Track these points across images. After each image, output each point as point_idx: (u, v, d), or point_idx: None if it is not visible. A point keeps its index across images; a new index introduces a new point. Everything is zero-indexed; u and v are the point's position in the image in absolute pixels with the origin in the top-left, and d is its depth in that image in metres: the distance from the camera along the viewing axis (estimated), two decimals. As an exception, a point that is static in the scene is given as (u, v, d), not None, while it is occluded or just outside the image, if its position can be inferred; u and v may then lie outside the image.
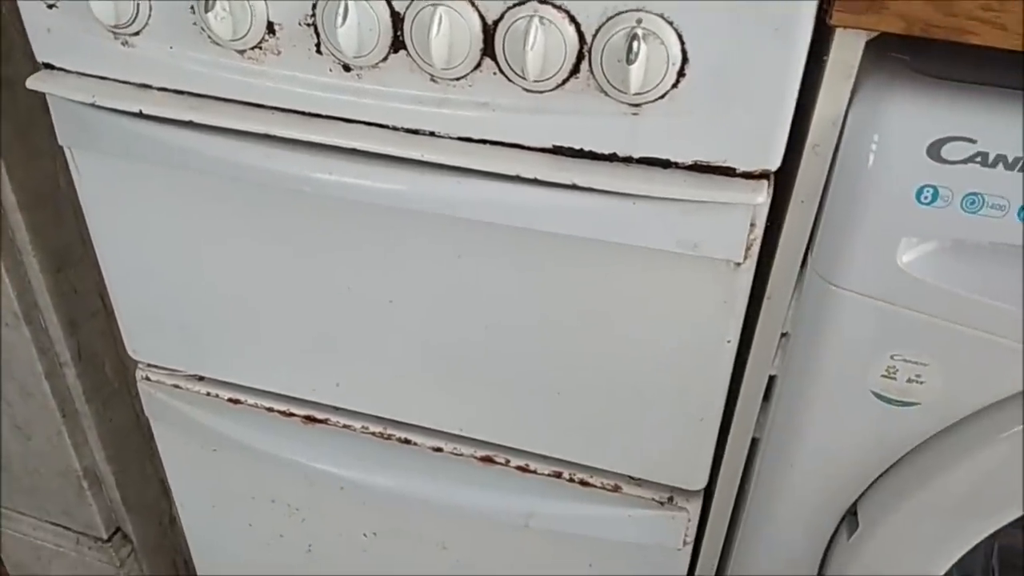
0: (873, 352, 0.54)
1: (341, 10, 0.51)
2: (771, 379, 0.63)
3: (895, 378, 0.54)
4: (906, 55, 0.51)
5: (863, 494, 0.60)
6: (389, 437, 0.75)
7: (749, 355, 0.62)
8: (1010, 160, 0.47)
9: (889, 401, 0.55)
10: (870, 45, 0.49)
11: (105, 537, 1.04)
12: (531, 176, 0.54)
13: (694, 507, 0.70)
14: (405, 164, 0.56)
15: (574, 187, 0.53)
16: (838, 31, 0.48)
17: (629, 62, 0.47)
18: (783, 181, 0.55)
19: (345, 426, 0.76)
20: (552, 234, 0.56)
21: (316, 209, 0.61)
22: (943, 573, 0.59)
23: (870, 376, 0.55)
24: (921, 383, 0.54)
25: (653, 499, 0.70)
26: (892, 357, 0.54)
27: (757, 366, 0.62)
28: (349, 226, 0.62)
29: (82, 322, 0.90)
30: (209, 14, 0.53)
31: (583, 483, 0.71)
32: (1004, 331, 0.51)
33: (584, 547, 0.75)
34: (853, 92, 0.50)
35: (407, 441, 0.74)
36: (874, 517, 0.59)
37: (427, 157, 0.55)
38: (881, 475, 0.59)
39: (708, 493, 0.72)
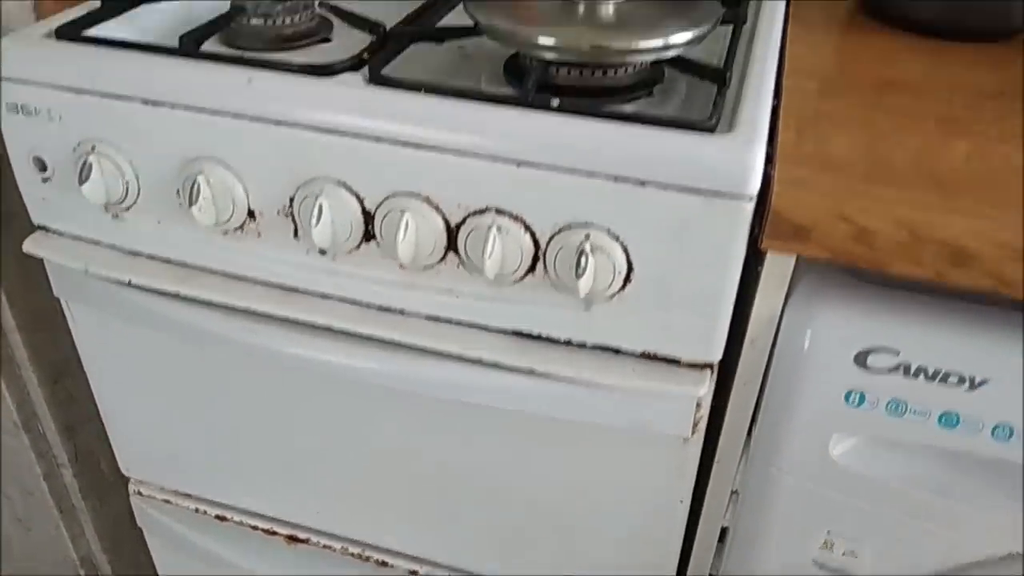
0: (810, 527, 0.57)
1: (316, 210, 0.55)
2: (723, 530, 0.66)
3: (832, 551, 0.58)
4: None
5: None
6: (367, 559, 0.78)
7: (703, 509, 0.65)
8: (930, 372, 0.50)
9: (827, 569, 0.59)
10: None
11: (100, 624, 1.08)
12: (492, 360, 0.57)
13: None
14: (377, 341, 0.60)
15: (532, 372, 0.57)
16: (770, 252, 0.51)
17: (578, 276, 0.51)
18: (729, 360, 0.59)
19: (325, 546, 0.79)
20: (510, 411, 0.60)
21: (296, 375, 0.65)
22: None
23: (809, 547, 0.58)
24: (856, 558, 0.57)
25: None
26: (828, 532, 0.57)
27: (709, 519, 0.66)
28: (324, 391, 0.66)
29: (79, 426, 0.94)
30: (193, 207, 0.57)
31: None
32: (932, 519, 0.54)
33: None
34: (789, 292, 0.54)
35: (383, 563, 0.78)
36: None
37: (397, 338, 0.59)
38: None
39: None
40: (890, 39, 0.71)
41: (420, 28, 0.63)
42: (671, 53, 0.57)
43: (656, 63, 0.61)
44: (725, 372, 0.59)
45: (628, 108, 0.58)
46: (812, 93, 0.60)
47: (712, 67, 0.57)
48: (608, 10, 0.58)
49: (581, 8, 0.59)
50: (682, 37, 0.56)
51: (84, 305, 0.70)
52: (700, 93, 0.59)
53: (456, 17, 0.65)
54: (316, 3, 0.68)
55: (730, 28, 0.64)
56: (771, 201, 0.48)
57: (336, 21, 0.68)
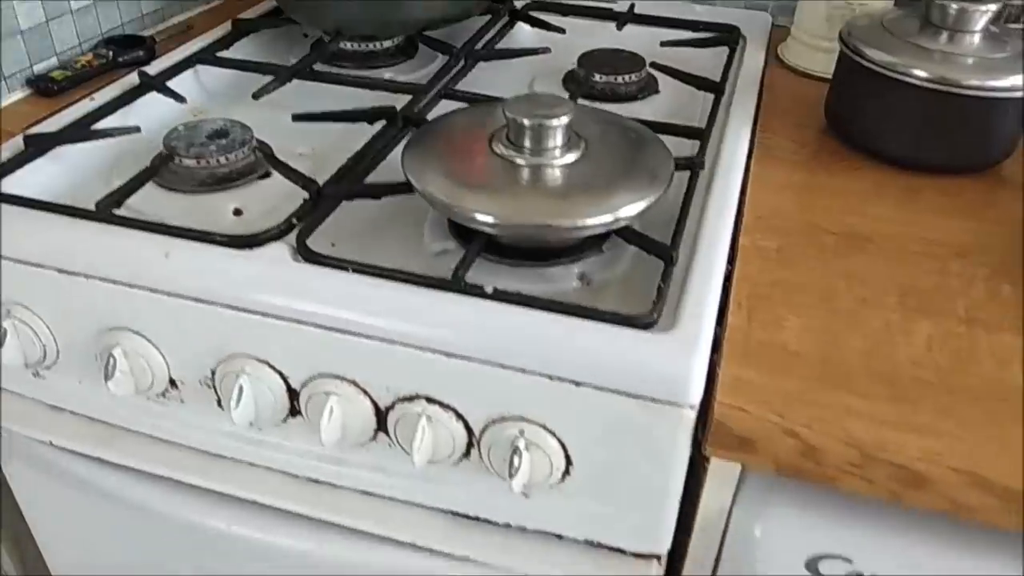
0: None
1: (236, 391, 0.51)
2: None
3: None
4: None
5: None
6: None
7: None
8: (885, 583, 0.47)
9: None
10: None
11: None
12: (426, 545, 0.54)
13: None
14: (305, 518, 0.57)
15: (468, 559, 0.54)
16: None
17: (511, 474, 0.48)
18: (681, 542, 0.55)
19: None
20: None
21: (224, 547, 0.62)
22: None
23: None
24: None
25: None
26: None
27: None
28: (250, 565, 0.63)
29: (26, 540, 0.91)
30: (109, 382, 0.54)
31: None
32: None
33: None
34: (739, 484, 0.50)
35: None
36: None
37: (325, 516, 0.56)
38: None
39: None
40: (858, 172, 0.67)
41: (354, 187, 0.59)
42: (621, 225, 0.53)
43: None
44: (678, 553, 0.56)
45: (576, 269, 0.55)
46: (771, 256, 0.57)
47: (658, 243, 0.53)
48: (555, 174, 0.55)
49: (525, 172, 0.55)
50: (632, 209, 0.52)
51: (14, 460, 0.67)
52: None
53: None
54: (253, 139, 0.64)
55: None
56: (713, 410, 0.45)
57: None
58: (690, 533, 0.53)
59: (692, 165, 0.61)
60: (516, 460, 0.48)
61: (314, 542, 0.56)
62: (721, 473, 0.49)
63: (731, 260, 0.56)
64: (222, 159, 0.63)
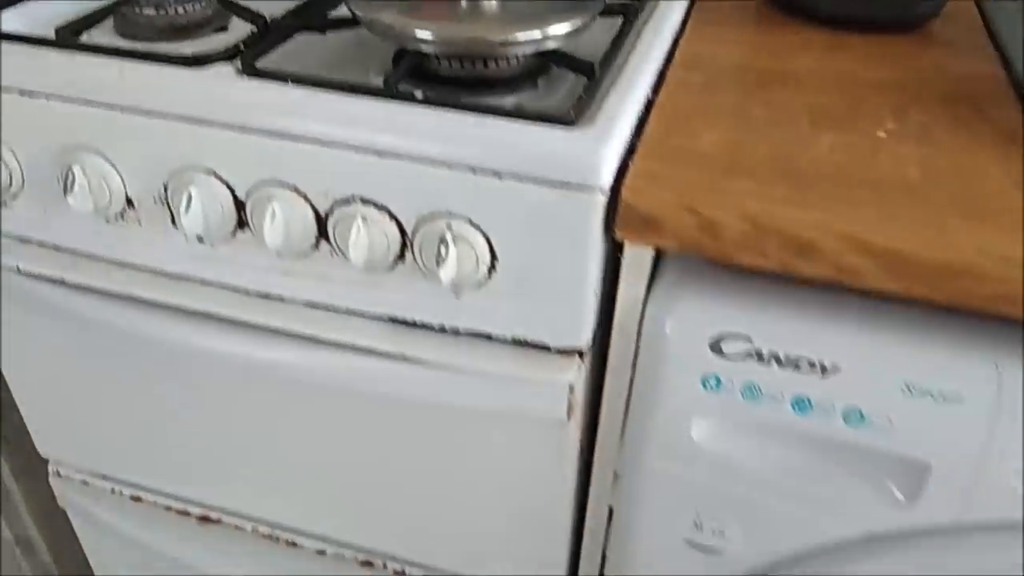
0: (681, 508, 0.59)
1: (184, 199, 0.55)
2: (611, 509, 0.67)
3: (702, 530, 0.59)
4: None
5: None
6: (277, 539, 0.80)
7: (590, 491, 0.67)
8: (782, 358, 0.51)
9: (699, 548, 0.60)
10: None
11: (40, 599, 1.10)
12: (366, 346, 0.58)
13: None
14: (258, 328, 0.61)
15: (405, 358, 0.58)
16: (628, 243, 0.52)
17: (439, 264, 0.52)
18: (607, 346, 0.59)
19: (237, 527, 0.81)
20: (392, 397, 0.61)
21: (183, 360, 0.66)
22: None
23: (680, 526, 0.60)
24: (724, 537, 0.59)
25: (518, 602, 0.75)
26: (697, 514, 0.58)
27: (597, 502, 0.67)
28: (211, 376, 0.67)
29: (7, 412, 0.95)
30: (68, 196, 0.57)
31: (455, 587, 0.77)
32: (791, 501, 0.55)
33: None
34: (652, 281, 0.54)
35: (293, 543, 0.79)
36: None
37: (276, 324, 0.60)
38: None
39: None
40: (792, 32, 0.71)
41: (301, 19, 0.63)
42: (550, 45, 0.57)
43: (541, 54, 0.61)
44: (605, 357, 0.60)
45: (509, 100, 0.59)
46: (695, 87, 0.61)
47: (582, 60, 0.57)
48: (491, 5, 0.58)
49: (464, 3, 0.59)
50: (560, 28, 0.56)
51: (-17, 292, 0.71)
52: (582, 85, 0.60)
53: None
54: (208, -11, 0.68)
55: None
56: (621, 192, 0.49)
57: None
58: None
59: (626, 11, 0.65)
60: (443, 251, 0.52)
61: (265, 350, 0.60)
62: (634, 265, 0.53)
63: (657, 91, 0.60)
64: (180, 9, 0.66)
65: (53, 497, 1.04)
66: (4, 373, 0.78)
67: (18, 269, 0.64)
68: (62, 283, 0.63)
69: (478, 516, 0.70)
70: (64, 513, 1.06)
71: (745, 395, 0.53)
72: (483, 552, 0.73)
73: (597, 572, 0.72)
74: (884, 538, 0.55)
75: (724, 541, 0.59)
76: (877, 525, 0.54)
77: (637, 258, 0.53)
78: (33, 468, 1.01)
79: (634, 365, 0.57)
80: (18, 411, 0.96)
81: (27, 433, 0.98)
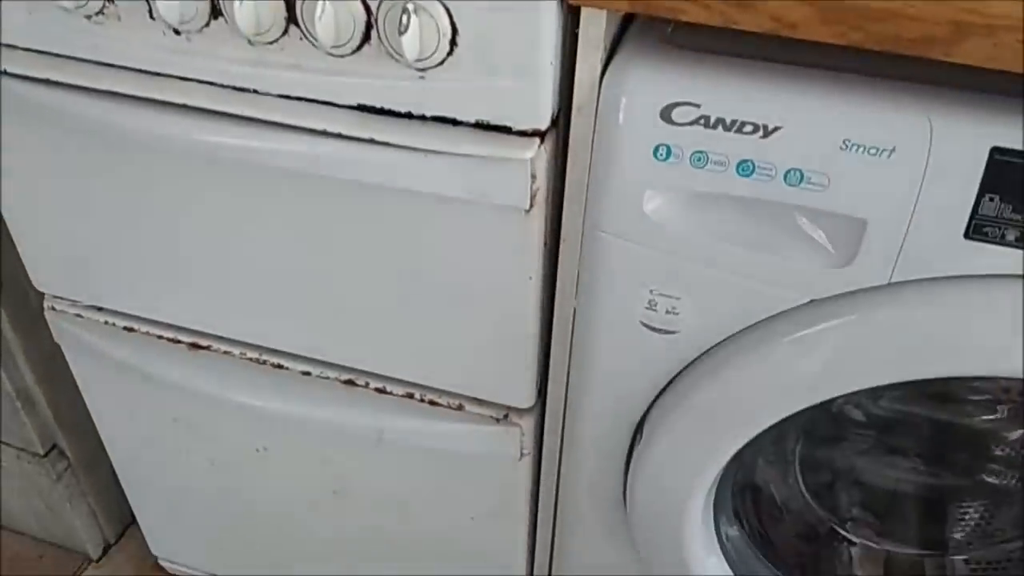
0: (635, 287, 0.62)
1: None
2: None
3: (656, 310, 0.62)
4: (670, 28, 0.58)
5: (647, 410, 0.69)
6: (264, 363, 0.84)
7: (556, 287, 0.70)
8: (728, 123, 0.54)
9: (654, 330, 0.63)
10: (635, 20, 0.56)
11: (42, 453, 1.15)
12: (336, 131, 0.61)
13: (527, 423, 0.79)
14: (234, 119, 0.63)
15: (373, 142, 0.61)
16: (583, 10, 0.54)
17: (401, 33, 0.54)
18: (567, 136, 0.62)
19: (226, 352, 0.84)
20: (363, 183, 0.64)
21: (169, 163, 0.69)
22: (714, 477, 0.68)
23: (636, 308, 0.63)
24: (677, 314, 0.62)
25: (491, 416, 0.79)
26: (651, 292, 0.62)
27: (563, 301, 0.70)
28: (197, 175, 0.70)
29: (3, 252, 0.98)
30: (51, -16, 0.60)
31: (432, 403, 0.80)
32: (736, 270, 0.59)
33: (435, 459, 0.84)
34: (608, 61, 0.57)
35: (280, 366, 0.83)
36: (653, 428, 0.68)
37: (252, 114, 0.62)
38: (659, 394, 0.67)
39: (544, 410, 0.81)
40: None
41: None
42: None
43: None
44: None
45: None
46: None
47: None
48: None
49: None
50: None
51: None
52: None
53: None
54: None
55: None
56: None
57: None
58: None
59: None
60: (405, 19, 0.54)
61: (241, 138, 0.63)
62: (590, 35, 0.55)
63: None
64: None
65: (51, 349, 1.08)
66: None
67: (5, 72, 0.66)
68: (47, 82, 0.66)
69: (451, 325, 0.73)
70: (62, 365, 1.10)
71: (693, 162, 0.55)
72: (459, 365, 0.76)
73: (564, 379, 0.76)
74: (825, 304, 0.58)
75: (677, 319, 0.62)
76: (818, 290, 0.57)
77: (592, 29, 0.55)
78: (30, 320, 1.05)
79: (592, 145, 0.60)
80: (14, 255, 0.99)
81: (24, 281, 1.01)
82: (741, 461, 0.71)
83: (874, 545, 0.84)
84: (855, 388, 0.59)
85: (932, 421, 0.80)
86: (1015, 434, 0.81)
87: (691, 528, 0.73)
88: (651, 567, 0.77)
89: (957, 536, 0.84)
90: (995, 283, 0.54)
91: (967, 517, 0.84)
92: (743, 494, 0.83)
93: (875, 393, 0.76)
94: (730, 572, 0.76)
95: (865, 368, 0.58)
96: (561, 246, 0.67)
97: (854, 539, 0.85)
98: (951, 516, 0.85)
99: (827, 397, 0.60)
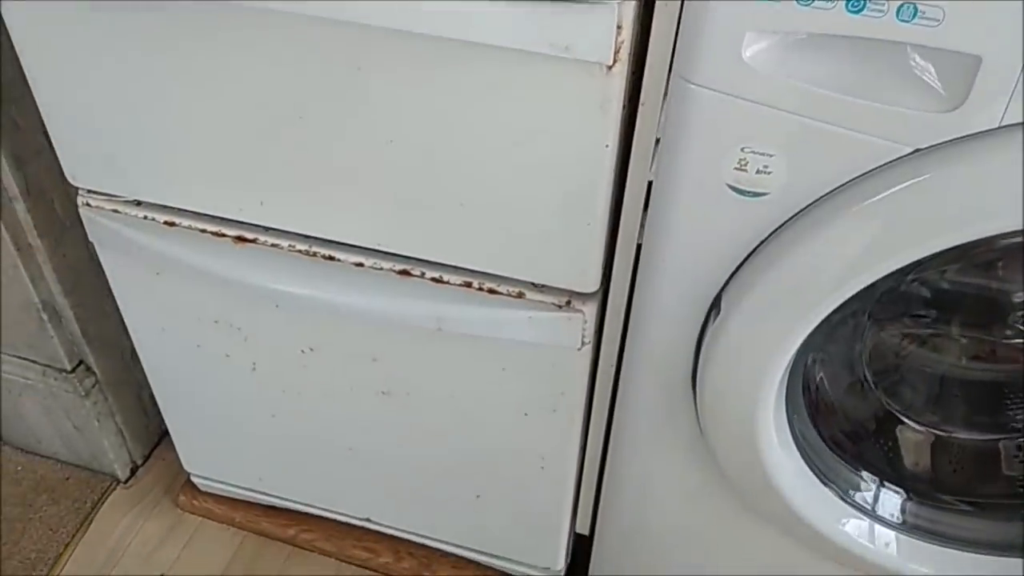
0: (726, 145, 0.59)
1: None
2: (650, 185, 0.68)
3: (746, 170, 0.60)
4: None
5: (726, 283, 0.67)
6: (315, 254, 0.81)
7: (630, 160, 0.67)
8: (839, -46, 0.51)
9: (742, 192, 0.61)
10: None
11: (69, 368, 1.12)
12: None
13: (589, 309, 0.77)
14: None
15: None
16: None
17: None
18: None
19: (273, 245, 0.82)
20: (439, 41, 0.61)
21: (218, 29, 0.65)
22: (791, 356, 0.67)
23: (724, 169, 0.61)
24: (769, 173, 0.60)
25: (553, 303, 0.77)
26: (742, 149, 0.59)
27: (636, 172, 0.68)
28: (240, 44, 0.66)
29: (28, 159, 0.94)
30: None
31: (491, 291, 0.78)
32: (838, 120, 0.56)
33: (493, 350, 0.82)
34: None
35: (331, 258, 0.81)
36: (732, 302, 0.66)
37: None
38: (740, 265, 0.66)
39: (605, 297, 0.79)
40: None
41: None
42: None
43: None
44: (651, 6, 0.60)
45: None
46: None
47: None
48: None
49: None
50: None
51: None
52: None
53: None
54: None
55: None
56: None
57: None
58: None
59: None
60: None
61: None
62: None
63: None
64: None
65: (78, 262, 1.05)
66: (33, 90, 0.77)
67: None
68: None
69: (517, 203, 0.71)
70: (91, 277, 1.07)
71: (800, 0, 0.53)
72: (522, 248, 0.74)
73: (632, 261, 0.74)
74: (930, 153, 0.56)
75: (768, 179, 0.60)
76: (923, 137, 0.55)
77: None
78: (57, 229, 1.01)
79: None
80: (39, 161, 0.95)
81: (50, 190, 0.98)
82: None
83: (938, 432, 0.84)
84: (958, 241, 0.57)
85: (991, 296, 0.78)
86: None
87: (764, 412, 0.71)
88: (717, 452, 0.76)
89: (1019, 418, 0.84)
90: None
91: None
92: (828, 414, 0.83)
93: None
94: (801, 461, 0.74)
95: (971, 217, 0.56)
96: (640, 110, 0.64)
97: (918, 427, 0.84)
98: (1010, 401, 0.84)
99: (924, 254, 0.59)
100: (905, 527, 0.74)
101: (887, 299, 0.77)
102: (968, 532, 0.74)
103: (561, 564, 1.06)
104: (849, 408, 0.84)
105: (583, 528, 1.03)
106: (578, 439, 0.90)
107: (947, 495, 0.77)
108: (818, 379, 0.83)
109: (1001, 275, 0.77)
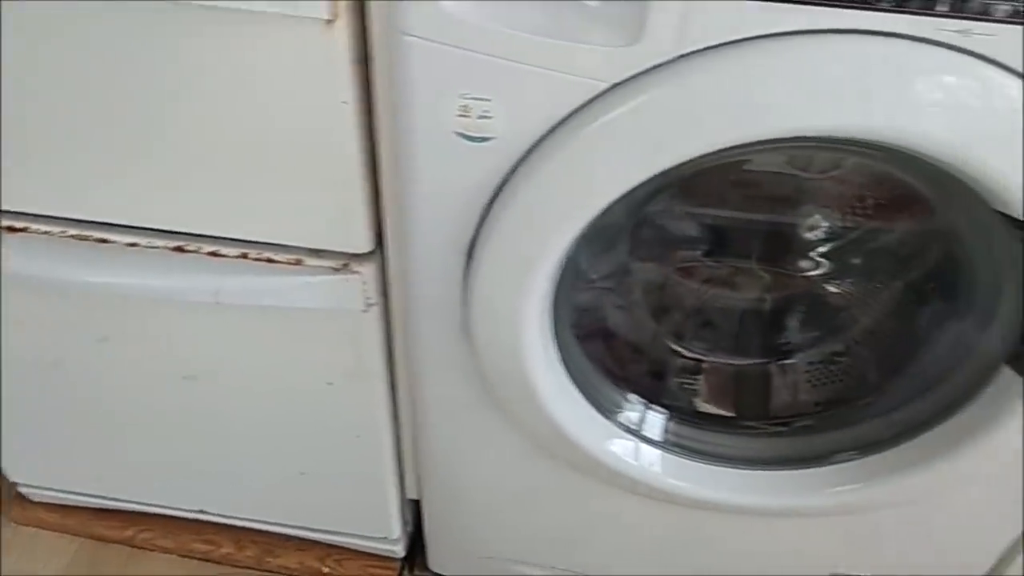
0: (446, 94, 0.62)
1: None
2: (401, 140, 0.70)
3: (469, 115, 0.62)
4: None
5: (476, 233, 0.70)
6: (86, 238, 0.80)
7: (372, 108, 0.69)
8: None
9: (470, 139, 0.64)
10: None
11: None
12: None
13: (368, 270, 0.78)
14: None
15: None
16: None
17: None
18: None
19: (45, 232, 0.80)
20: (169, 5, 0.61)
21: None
22: (544, 292, 0.70)
23: (449, 117, 0.63)
24: (491, 118, 0.62)
25: (330, 267, 0.78)
26: (462, 96, 0.62)
27: (383, 128, 0.69)
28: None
29: None
30: None
31: (269, 260, 0.79)
32: (539, 62, 0.59)
33: (281, 321, 0.83)
34: None
35: (104, 240, 0.80)
36: (481, 247, 0.68)
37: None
38: (485, 211, 0.68)
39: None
40: None
41: None
42: None
43: None
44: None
45: None
46: None
47: None
48: None
49: None
50: None
51: None
52: None
53: None
54: None
55: None
56: None
57: None
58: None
59: None
60: None
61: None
62: None
63: None
64: None
65: None
66: None
67: None
68: None
69: (275, 170, 0.72)
70: None
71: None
72: (291, 214, 0.75)
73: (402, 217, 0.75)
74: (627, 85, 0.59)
75: (491, 124, 0.62)
76: (616, 72, 0.59)
77: None
78: None
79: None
80: None
81: None
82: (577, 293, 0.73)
83: (717, 361, 0.89)
84: (660, 168, 0.61)
85: (755, 228, 0.84)
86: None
87: (532, 354, 0.73)
88: (498, 394, 0.79)
89: (791, 341, 0.90)
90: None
91: (792, 324, 0.90)
92: (598, 340, 0.86)
93: (699, 198, 0.79)
94: (571, 386, 0.77)
95: (666, 144, 0.60)
96: (371, 66, 0.66)
97: (701, 358, 0.89)
98: (782, 324, 0.90)
99: (636, 182, 0.62)
100: (668, 445, 0.79)
101: (644, 233, 0.82)
102: (727, 449, 0.79)
103: (397, 532, 1.08)
104: (623, 335, 0.89)
105: (413, 493, 1.05)
106: (385, 404, 0.91)
107: (711, 415, 0.82)
108: (595, 310, 0.88)
109: (750, 205, 0.83)
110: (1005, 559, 0.95)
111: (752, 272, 0.88)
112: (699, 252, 0.90)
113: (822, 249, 0.93)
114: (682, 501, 0.78)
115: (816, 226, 0.91)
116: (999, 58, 0.56)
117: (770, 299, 0.92)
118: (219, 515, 1.11)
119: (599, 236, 0.72)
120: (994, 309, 0.71)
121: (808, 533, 0.89)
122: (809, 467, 0.77)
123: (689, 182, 0.75)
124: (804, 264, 0.94)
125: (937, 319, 0.80)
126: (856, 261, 0.92)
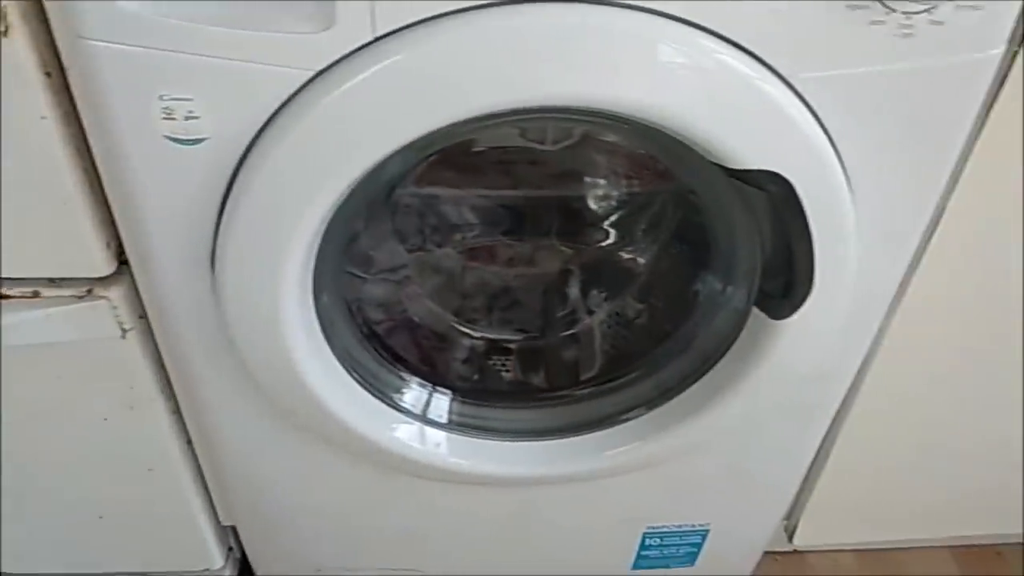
0: (143, 97, 0.58)
1: None
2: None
3: (175, 118, 0.59)
4: None
5: (215, 237, 0.67)
6: None
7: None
8: None
9: (182, 142, 0.60)
10: None
11: None
12: None
13: (116, 293, 0.73)
14: None
15: None
16: None
17: None
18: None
19: None
20: None
21: None
22: (298, 289, 0.68)
23: (154, 121, 0.59)
24: (197, 118, 0.59)
25: (72, 295, 0.73)
26: (161, 98, 0.58)
27: (94, 140, 0.65)
28: None
29: None
30: None
31: (3, 296, 0.73)
32: (234, 54, 0.56)
33: (36, 358, 0.77)
34: None
35: None
36: (221, 252, 0.65)
37: None
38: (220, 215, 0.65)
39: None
40: None
41: None
42: None
43: None
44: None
45: None
46: None
47: None
48: None
49: None
50: None
51: None
52: None
53: None
54: None
55: None
56: None
57: None
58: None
59: None
60: None
61: None
62: None
63: None
64: None
65: None
66: None
67: None
68: None
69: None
70: None
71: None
72: (16, 242, 0.69)
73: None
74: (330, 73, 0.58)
75: (199, 124, 0.59)
76: (315, 59, 0.57)
77: None
78: None
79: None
80: None
81: None
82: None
83: (489, 336, 0.90)
84: (375, 159, 0.60)
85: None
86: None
87: (295, 352, 0.70)
88: (275, 400, 0.76)
89: (591, 308, 0.92)
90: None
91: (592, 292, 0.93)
92: (403, 332, 0.86)
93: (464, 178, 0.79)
94: (356, 383, 0.76)
95: (384, 126, 0.59)
96: (69, 74, 0.62)
97: (471, 333, 0.89)
98: (584, 293, 0.92)
99: (360, 170, 0.61)
100: (453, 426, 0.79)
101: (412, 220, 0.81)
102: (510, 423, 0.80)
103: (220, 561, 1.03)
104: (427, 325, 0.88)
105: (227, 520, 1.00)
106: (173, 431, 0.86)
107: (495, 392, 0.82)
108: (394, 304, 0.87)
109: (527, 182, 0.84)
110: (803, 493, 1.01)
111: (553, 248, 0.90)
112: (478, 233, 0.91)
113: (612, 219, 0.96)
114: (471, 479, 0.78)
115: (602, 197, 0.94)
116: (701, 21, 0.57)
117: (575, 271, 0.94)
118: (26, 573, 1.03)
119: (370, 228, 0.70)
120: (735, 255, 0.74)
121: (623, 492, 0.91)
122: (593, 431, 0.79)
123: (436, 165, 0.75)
124: (597, 235, 0.96)
125: (698, 276, 0.83)
126: (641, 228, 0.96)
